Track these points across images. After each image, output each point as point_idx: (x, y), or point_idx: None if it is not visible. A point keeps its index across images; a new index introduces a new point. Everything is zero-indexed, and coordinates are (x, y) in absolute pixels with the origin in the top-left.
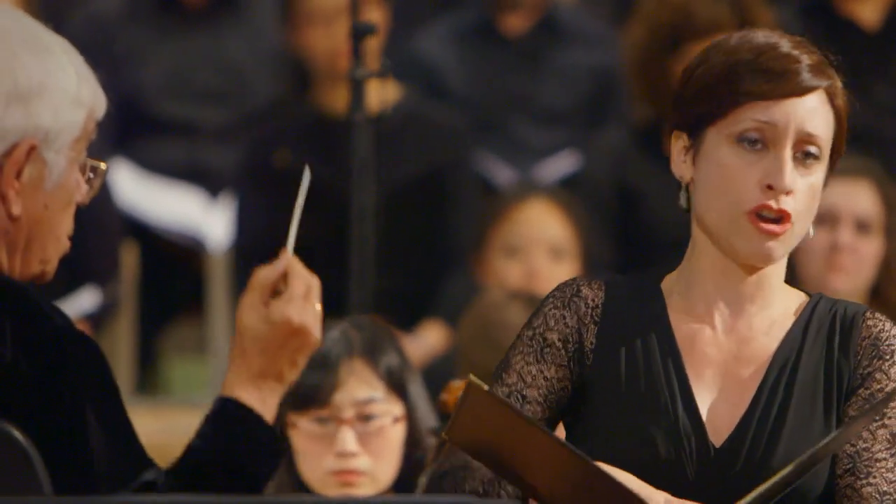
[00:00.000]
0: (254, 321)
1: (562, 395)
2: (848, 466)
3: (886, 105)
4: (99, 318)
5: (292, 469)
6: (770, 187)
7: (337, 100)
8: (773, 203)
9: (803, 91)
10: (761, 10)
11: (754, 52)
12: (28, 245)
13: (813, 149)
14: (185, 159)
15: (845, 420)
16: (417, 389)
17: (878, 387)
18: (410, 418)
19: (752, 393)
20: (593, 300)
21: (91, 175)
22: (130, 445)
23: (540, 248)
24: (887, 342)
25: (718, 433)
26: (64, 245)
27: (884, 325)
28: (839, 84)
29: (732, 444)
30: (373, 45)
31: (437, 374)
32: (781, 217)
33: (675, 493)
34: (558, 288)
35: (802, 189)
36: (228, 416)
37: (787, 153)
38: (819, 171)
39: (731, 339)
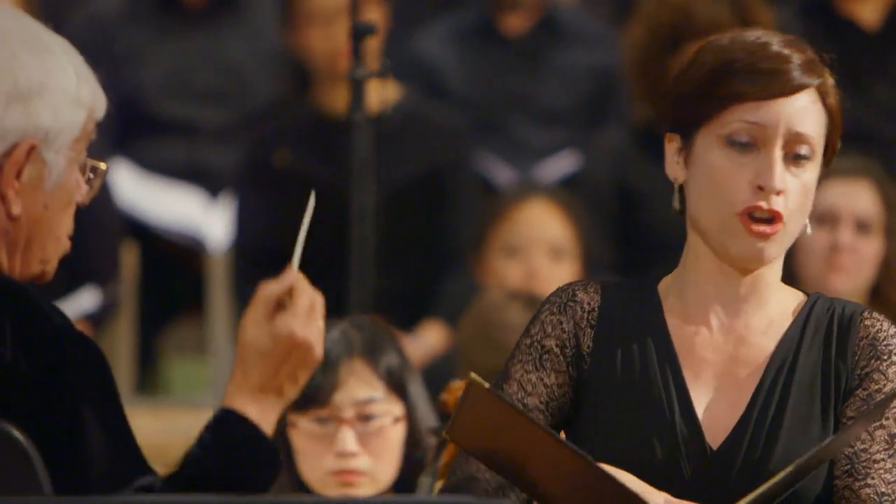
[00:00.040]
0: (257, 335)
1: (563, 400)
2: (846, 468)
3: (886, 105)
4: (99, 318)
5: (292, 469)
6: (761, 188)
7: (337, 100)
8: (763, 203)
9: (792, 90)
10: (761, 10)
11: (744, 52)
12: (28, 245)
13: (803, 149)
14: (185, 159)
15: (843, 421)
16: (417, 389)
17: (877, 387)
18: (410, 418)
19: (750, 394)
20: (589, 304)
21: (91, 175)
22: (129, 448)
23: (540, 248)
24: (885, 342)
25: (716, 435)
26: (64, 245)
27: (882, 324)
28: (831, 81)
29: (730, 446)
30: (373, 45)
31: (437, 374)
32: (773, 217)
33: (673, 495)
34: (554, 293)
35: (794, 188)
36: (228, 427)
37: (777, 153)
38: (811, 169)
39: (727, 340)
